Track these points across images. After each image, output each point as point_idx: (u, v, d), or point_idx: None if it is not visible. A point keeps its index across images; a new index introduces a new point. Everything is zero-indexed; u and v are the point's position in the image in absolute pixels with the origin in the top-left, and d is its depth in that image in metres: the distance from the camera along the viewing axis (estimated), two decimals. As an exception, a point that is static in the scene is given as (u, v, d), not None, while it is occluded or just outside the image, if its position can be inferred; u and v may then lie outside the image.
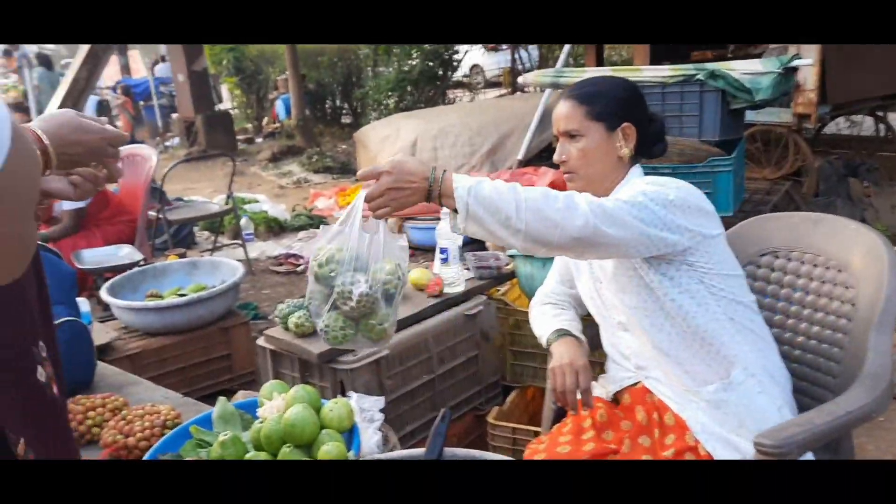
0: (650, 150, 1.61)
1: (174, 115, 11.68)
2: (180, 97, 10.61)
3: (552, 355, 1.62)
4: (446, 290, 2.43)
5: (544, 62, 10.57)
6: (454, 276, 2.44)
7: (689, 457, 1.48)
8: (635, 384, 1.63)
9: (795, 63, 3.99)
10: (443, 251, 2.41)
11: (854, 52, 4.80)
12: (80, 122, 1.09)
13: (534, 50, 10.60)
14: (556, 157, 1.57)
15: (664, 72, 4.14)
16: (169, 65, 11.49)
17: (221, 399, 1.85)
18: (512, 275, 2.64)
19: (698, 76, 4.00)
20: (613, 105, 1.53)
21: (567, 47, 5.53)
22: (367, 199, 1.32)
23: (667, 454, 1.48)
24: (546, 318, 1.74)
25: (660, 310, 1.53)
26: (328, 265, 1.30)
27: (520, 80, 4.91)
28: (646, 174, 1.60)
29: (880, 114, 5.88)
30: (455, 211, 1.31)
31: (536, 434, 2.16)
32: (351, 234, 1.34)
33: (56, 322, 2.20)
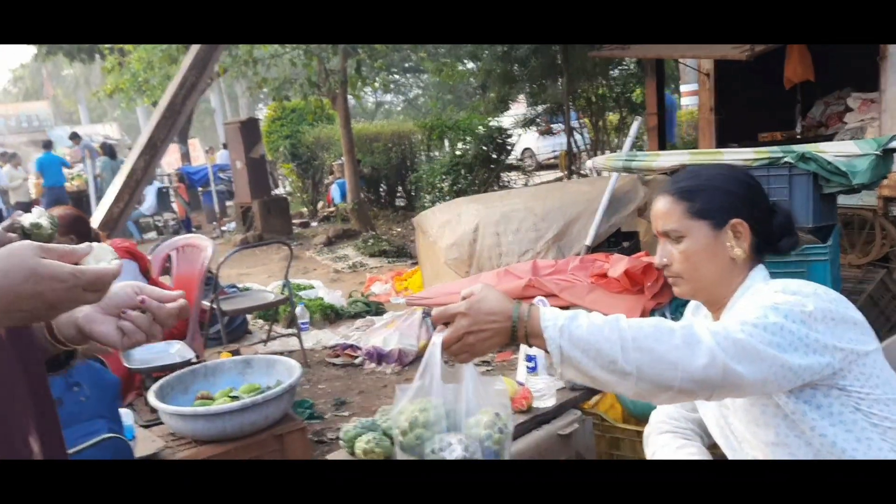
0: (776, 247, 1.39)
1: (231, 202, 11.86)
2: (238, 183, 10.77)
3: None
4: (535, 403, 2.12)
5: (597, 146, 10.44)
6: (544, 388, 2.14)
7: None
8: None
9: (894, 144, 3.69)
10: (530, 358, 2.11)
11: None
12: (38, 265, 0.78)
13: (586, 133, 10.51)
14: (657, 261, 1.42)
15: (748, 154, 3.89)
16: (228, 152, 11.76)
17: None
18: (606, 384, 2.32)
19: (786, 158, 3.73)
20: (719, 199, 1.35)
21: (634, 128, 5.32)
22: (444, 345, 1.13)
23: None
24: (669, 454, 1.47)
25: (806, 446, 1.25)
26: (412, 431, 1.08)
27: (589, 163, 4.71)
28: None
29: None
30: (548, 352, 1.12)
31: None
32: (432, 387, 1.12)
33: (96, 440, 2.00)
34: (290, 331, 5.37)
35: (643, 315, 4.08)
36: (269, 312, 5.45)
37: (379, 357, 4.81)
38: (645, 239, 5.53)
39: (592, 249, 4.97)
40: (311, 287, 6.61)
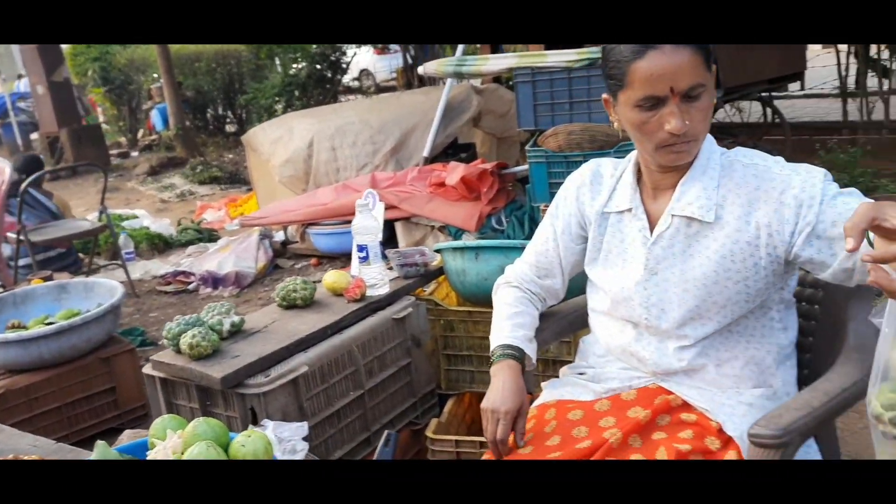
0: None
1: (35, 134, 10.65)
2: (41, 111, 9.65)
3: (491, 379, 1.38)
4: (369, 292, 2.12)
5: (436, 58, 10.37)
6: (377, 277, 2.14)
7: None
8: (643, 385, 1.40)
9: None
10: (361, 248, 2.10)
11: (743, 35, 4.88)
12: None
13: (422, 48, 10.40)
14: (677, 126, 1.17)
15: (570, 56, 4.01)
16: (27, 79, 10.47)
17: (100, 444, 1.47)
18: (440, 271, 2.37)
19: (605, 59, 3.89)
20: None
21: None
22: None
23: (683, 448, 1.25)
24: (500, 319, 1.48)
25: (749, 328, 1.33)
26: None
27: (420, 69, 4.65)
28: (555, 165, 1.43)
29: (765, 96, 6.06)
30: None
31: (482, 445, 1.91)
32: None
33: None
34: (114, 262, 5.00)
35: (480, 219, 4.21)
36: (88, 244, 5.02)
37: (214, 281, 4.62)
38: (482, 150, 5.65)
39: (431, 160, 5.00)
40: (135, 217, 6.16)
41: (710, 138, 1.29)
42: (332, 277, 2.14)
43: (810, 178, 1.21)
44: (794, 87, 6.33)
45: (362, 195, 4.31)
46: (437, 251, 2.33)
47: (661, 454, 1.26)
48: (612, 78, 1.24)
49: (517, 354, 1.40)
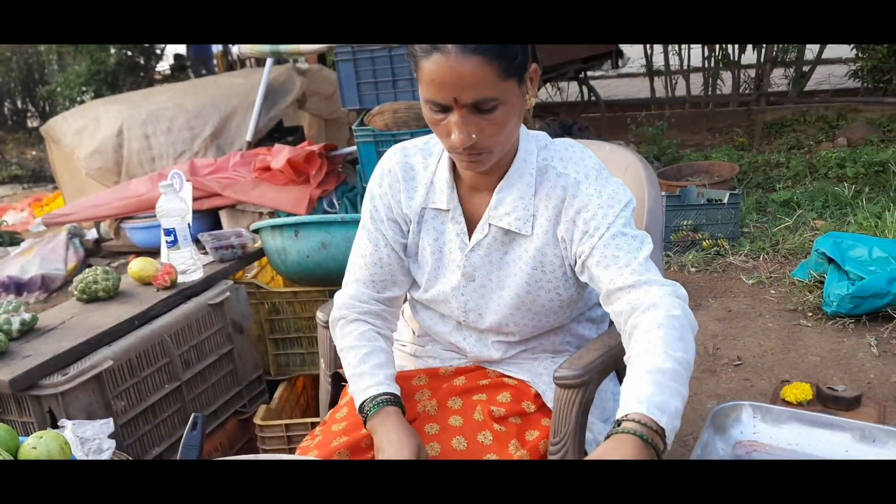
0: None
1: None
2: None
3: (375, 437, 1.22)
4: (180, 279, 1.99)
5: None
6: (188, 262, 2.02)
7: (526, 409, 1.32)
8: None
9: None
10: (168, 232, 1.96)
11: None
12: None
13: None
14: (460, 141, 1.09)
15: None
16: None
17: None
18: (260, 253, 2.28)
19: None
20: (522, 48, 1.09)
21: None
22: None
23: (498, 412, 1.29)
24: (353, 365, 1.31)
25: (558, 331, 1.37)
26: None
27: (234, 50, 4.46)
28: (383, 144, 1.36)
29: (581, 75, 6.43)
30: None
31: (313, 425, 1.87)
32: None
33: None
34: None
35: (310, 202, 4.11)
36: None
37: (17, 287, 4.17)
38: (310, 133, 5.52)
39: (254, 145, 4.81)
40: (-82, 222, 5.42)
41: (527, 135, 1.24)
42: (137, 265, 1.99)
43: (606, 207, 1.18)
44: (611, 66, 6.80)
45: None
46: (255, 231, 2.24)
47: (478, 414, 1.29)
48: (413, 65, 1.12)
49: (392, 399, 1.24)
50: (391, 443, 1.17)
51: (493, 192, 1.24)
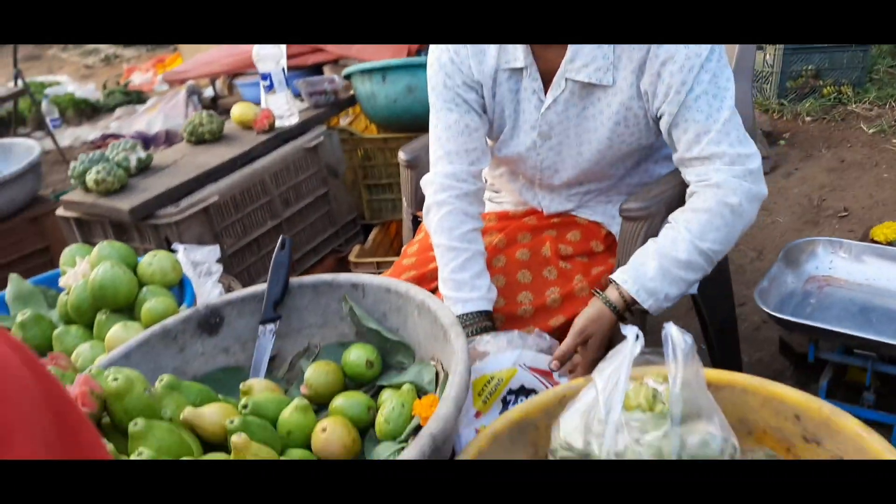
0: None
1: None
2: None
3: None
4: (278, 123, 2.11)
5: None
6: (284, 107, 2.12)
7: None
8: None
9: None
10: (265, 77, 2.06)
11: None
12: None
13: None
14: None
15: None
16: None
17: (13, 277, 1.52)
18: (353, 100, 2.36)
19: None
20: None
21: None
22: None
23: (566, 251, 1.33)
24: (450, 270, 1.27)
25: (633, 172, 1.36)
26: None
27: None
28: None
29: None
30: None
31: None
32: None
33: None
34: (39, 131, 4.84)
35: (409, 54, 4.10)
36: (5, 116, 4.83)
37: (145, 141, 4.52)
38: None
39: None
40: (58, 83, 5.88)
41: None
42: (238, 110, 2.12)
43: (693, 56, 1.12)
44: None
45: (287, 40, 4.19)
46: (347, 77, 2.30)
47: (546, 249, 1.32)
48: None
49: (490, 324, 1.24)
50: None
51: (566, 48, 1.17)
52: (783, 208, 2.53)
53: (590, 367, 1.08)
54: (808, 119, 3.15)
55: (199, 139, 2.06)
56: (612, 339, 1.18)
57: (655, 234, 1.29)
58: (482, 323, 1.22)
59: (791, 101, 3.30)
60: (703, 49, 1.12)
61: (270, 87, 2.08)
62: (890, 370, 1.36)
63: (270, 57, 2.03)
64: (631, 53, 1.15)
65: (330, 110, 2.29)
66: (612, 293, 1.15)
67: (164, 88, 5.70)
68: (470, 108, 1.26)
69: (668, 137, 1.19)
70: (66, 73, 6.83)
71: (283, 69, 2.09)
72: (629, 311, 1.16)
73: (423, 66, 2.12)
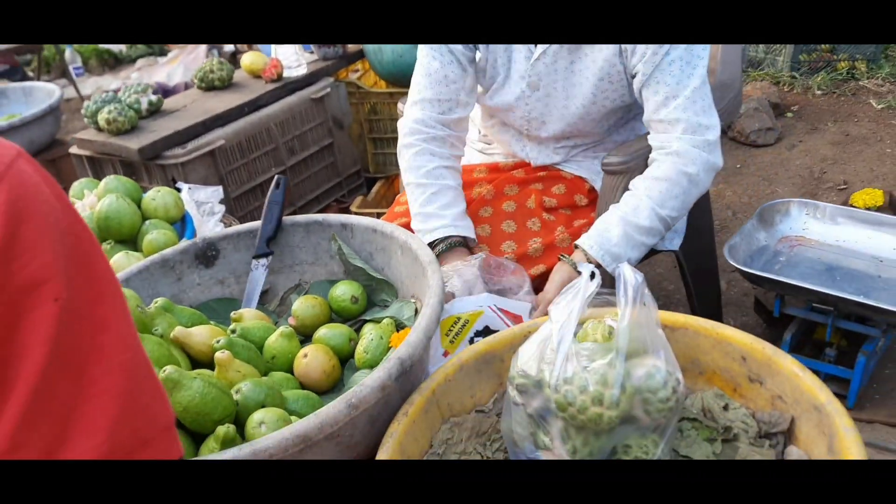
0: None
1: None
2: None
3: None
4: (286, 73, 2.16)
5: None
6: (293, 58, 2.17)
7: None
8: None
9: None
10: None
11: None
12: None
13: None
14: None
15: None
16: None
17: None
18: (360, 54, 2.40)
19: None
20: None
21: None
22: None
23: (550, 203, 1.38)
24: (419, 203, 1.33)
25: (621, 130, 1.42)
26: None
27: None
28: None
29: None
30: None
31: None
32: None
33: None
34: (62, 79, 4.91)
35: None
36: (29, 62, 4.90)
37: (165, 92, 4.57)
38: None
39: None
40: (80, 31, 5.94)
41: None
42: (249, 59, 2.17)
43: None
44: None
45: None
46: (356, 33, 2.34)
47: (531, 202, 1.37)
48: None
49: (460, 241, 1.30)
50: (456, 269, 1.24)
51: None
52: (784, 179, 2.55)
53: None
54: (818, 93, 3.14)
55: (209, 85, 2.12)
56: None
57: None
58: (453, 240, 1.29)
59: (803, 74, 3.28)
60: None
61: (280, 38, 2.12)
62: (850, 326, 1.41)
63: (280, 7, 2.07)
64: None
65: (338, 63, 2.33)
66: (578, 257, 1.23)
67: (183, 40, 5.74)
68: (454, 59, 1.30)
69: (639, 96, 1.25)
70: (89, 21, 6.88)
71: (293, 20, 2.13)
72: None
73: (430, 22, 2.15)
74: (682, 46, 1.18)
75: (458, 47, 1.30)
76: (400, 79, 2.32)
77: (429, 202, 1.31)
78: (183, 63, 4.81)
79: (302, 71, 2.19)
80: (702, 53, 1.20)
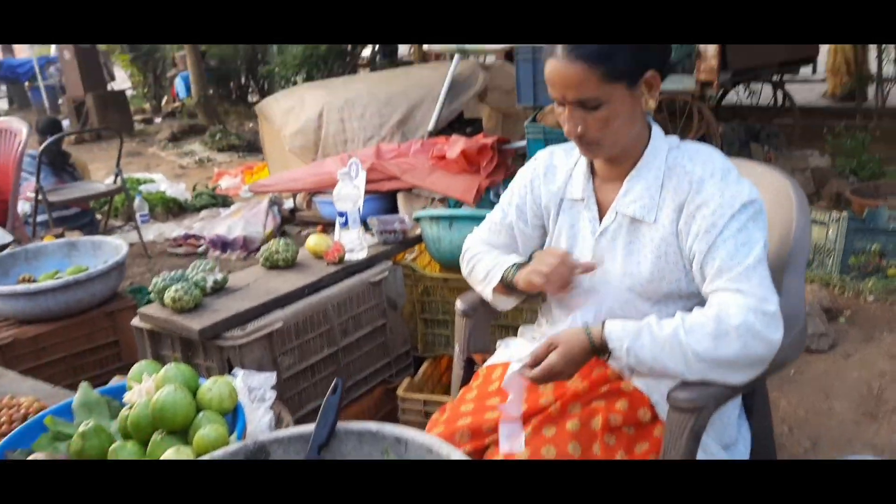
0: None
1: (62, 99, 10.90)
2: (68, 76, 9.87)
3: (522, 279, 1.43)
4: (348, 256, 2.24)
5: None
6: (355, 242, 2.26)
7: (642, 419, 1.37)
8: None
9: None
10: (341, 214, 2.22)
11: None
12: None
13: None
14: (568, 131, 1.29)
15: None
16: (55, 45, 10.70)
17: (83, 385, 1.62)
18: (419, 239, 2.49)
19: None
20: (633, 55, 1.24)
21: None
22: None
23: (615, 420, 1.34)
24: (484, 264, 1.53)
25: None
26: None
27: (425, 47, 4.74)
28: (553, 141, 1.48)
29: (776, 79, 6.03)
30: None
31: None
32: None
33: None
34: (129, 223, 5.19)
35: (478, 192, 4.29)
36: (103, 205, 5.21)
37: (223, 245, 4.79)
38: (488, 125, 5.72)
39: (436, 134, 5.09)
40: (152, 181, 6.34)
41: (658, 134, 1.36)
42: (313, 241, 2.27)
43: (727, 206, 1.25)
44: (807, 70, 6.30)
45: (367, 165, 4.45)
46: (416, 220, 2.44)
47: (596, 423, 1.34)
48: None
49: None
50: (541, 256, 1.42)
51: (623, 183, 1.36)
52: (841, 393, 2.47)
53: (545, 371, 1.27)
54: (870, 298, 3.12)
55: (273, 265, 2.20)
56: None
57: (703, 427, 1.30)
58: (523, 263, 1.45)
59: (853, 278, 3.28)
60: (737, 201, 1.26)
61: (345, 224, 2.22)
62: None
63: (349, 198, 2.19)
64: (674, 196, 1.30)
65: (397, 248, 2.41)
66: (594, 333, 1.28)
67: (248, 195, 6.07)
68: (525, 220, 1.51)
69: (697, 277, 1.30)
70: (162, 170, 7.37)
71: (359, 209, 2.24)
72: (605, 348, 1.26)
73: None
74: (735, 227, 1.25)
75: (530, 212, 1.50)
76: (455, 266, 2.37)
77: (490, 258, 1.53)
78: (244, 217, 5.06)
79: (363, 255, 2.27)
80: (757, 238, 1.25)
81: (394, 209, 4.50)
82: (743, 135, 5.42)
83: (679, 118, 5.26)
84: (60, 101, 11.26)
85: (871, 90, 6.24)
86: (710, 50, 4.78)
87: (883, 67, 5.88)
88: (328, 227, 5.04)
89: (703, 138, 5.30)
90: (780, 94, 6.28)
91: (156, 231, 5.27)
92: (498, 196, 4.42)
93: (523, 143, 4.22)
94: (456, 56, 4.95)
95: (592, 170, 1.43)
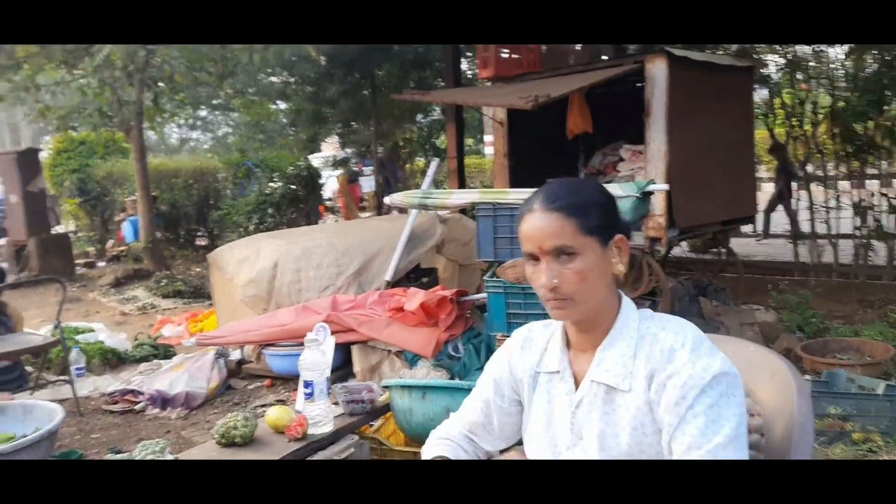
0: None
1: (3, 241, 10.61)
2: (11, 219, 9.68)
3: None
4: (311, 430, 2.09)
5: (407, 186, 10.74)
6: (321, 414, 2.12)
7: None
8: None
9: (651, 188, 4.15)
10: (307, 384, 2.09)
11: (693, 180, 5.13)
12: None
13: (399, 172, 10.79)
14: (543, 284, 1.27)
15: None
16: (2, 188, 10.57)
17: None
18: (387, 408, 2.35)
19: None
20: (605, 215, 1.29)
21: (432, 169, 5.54)
22: None
23: None
24: (434, 453, 1.48)
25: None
26: None
27: (386, 200, 4.81)
28: (513, 296, 1.45)
29: (720, 236, 6.30)
30: None
31: None
32: None
33: None
34: (62, 377, 4.85)
35: (437, 346, 4.20)
36: (37, 358, 4.89)
37: (163, 401, 4.49)
38: (444, 276, 5.74)
39: (393, 285, 5.05)
40: (91, 330, 6.04)
41: (628, 305, 1.35)
42: (275, 413, 2.11)
43: (697, 377, 1.23)
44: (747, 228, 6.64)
45: (322, 317, 4.33)
46: (385, 387, 2.32)
47: None
48: None
49: None
50: None
51: (595, 354, 1.34)
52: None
53: None
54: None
55: (229, 441, 2.03)
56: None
57: None
58: None
59: (821, 444, 3.24)
60: (708, 373, 1.22)
61: (310, 395, 2.09)
62: None
63: (316, 366, 2.07)
64: (646, 364, 1.27)
65: (364, 418, 2.27)
66: None
67: (192, 343, 5.81)
68: (502, 394, 1.45)
69: (666, 452, 1.24)
70: (103, 318, 7.06)
71: (327, 377, 2.12)
72: None
73: (463, 391, 2.15)
74: (706, 403, 1.20)
75: (508, 388, 1.44)
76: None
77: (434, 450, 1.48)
78: (188, 371, 4.79)
79: (328, 428, 2.12)
80: (728, 416, 1.20)
81: (347, 362, 4.35)
82: (691, 289, 5.55)
83: (630, 271, 5.38)
84: (1, 243, 10.96)
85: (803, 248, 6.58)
86: (658, 208, 4.99)
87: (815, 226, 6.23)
88: (276, 381, 4.83)
89: (653, 292, 5.42)
90: (722, 250, 6.55)
91: (91, 385, 4.94)
92: (457, 350, 4.34)
93: (482, 295, 4.21)
94: (414, 211, 5.03)
95: (568, 343, 1.41)
